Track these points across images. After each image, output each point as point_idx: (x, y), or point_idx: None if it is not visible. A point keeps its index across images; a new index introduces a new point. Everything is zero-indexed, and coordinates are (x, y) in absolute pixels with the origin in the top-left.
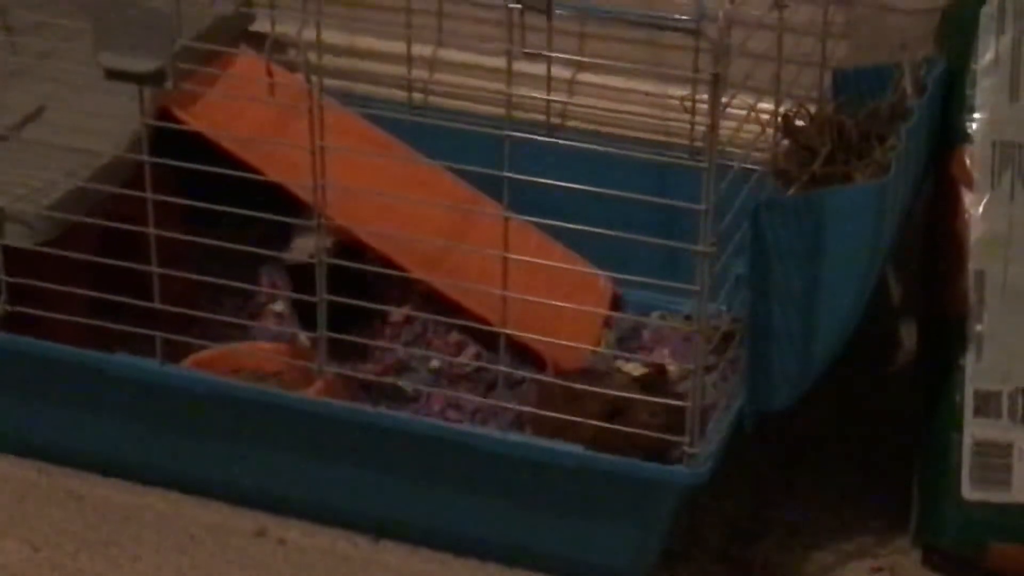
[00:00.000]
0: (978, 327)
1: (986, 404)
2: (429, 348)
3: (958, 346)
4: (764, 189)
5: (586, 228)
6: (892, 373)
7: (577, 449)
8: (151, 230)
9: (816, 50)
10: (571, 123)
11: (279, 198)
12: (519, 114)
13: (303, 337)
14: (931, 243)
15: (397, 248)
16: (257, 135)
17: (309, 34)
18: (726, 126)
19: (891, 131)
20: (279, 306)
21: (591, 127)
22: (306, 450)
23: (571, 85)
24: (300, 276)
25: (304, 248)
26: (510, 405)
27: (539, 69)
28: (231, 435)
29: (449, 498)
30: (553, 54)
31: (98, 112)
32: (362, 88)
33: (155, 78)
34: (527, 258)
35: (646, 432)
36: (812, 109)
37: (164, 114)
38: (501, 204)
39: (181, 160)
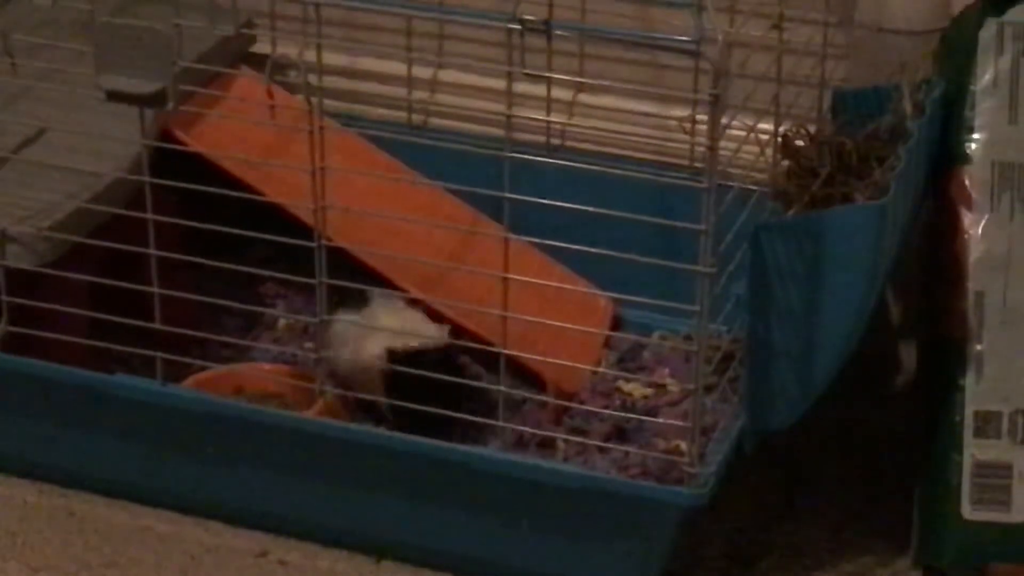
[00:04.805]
0: (978, 348)
1: (986, 425)
2: None
3: (958, 367)
4: (764, 210)
5: (586, 249)
6: (892, 394)
7: (579, 470)
8: (152, 251)
9: (815, 71)
10: (571, 144)
11: (280, 219)
12: (519, 135)
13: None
14: (930, 264)
15: (397, 269)
16: (258, 156)
17: (310, 55)
18: (726, 147)
19: (890, 152)
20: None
21: (591, 148)
22: (307, 471)
23: (571, 106)
24: (398, 375)
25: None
26: (510, 425)
27: (539, 90)
28: (232, 456)
29: (450, 519)
30: (553, 75)
31: (99, 134)
32: (362, 109)
33: (156, 99)
34: (527, 279)
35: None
36: (812, 130)
37: (165, 135)
38: (501, 225)
39: (182, 181)
